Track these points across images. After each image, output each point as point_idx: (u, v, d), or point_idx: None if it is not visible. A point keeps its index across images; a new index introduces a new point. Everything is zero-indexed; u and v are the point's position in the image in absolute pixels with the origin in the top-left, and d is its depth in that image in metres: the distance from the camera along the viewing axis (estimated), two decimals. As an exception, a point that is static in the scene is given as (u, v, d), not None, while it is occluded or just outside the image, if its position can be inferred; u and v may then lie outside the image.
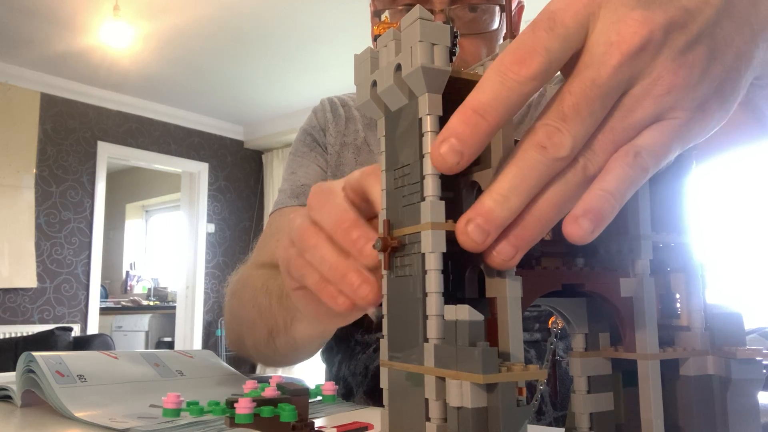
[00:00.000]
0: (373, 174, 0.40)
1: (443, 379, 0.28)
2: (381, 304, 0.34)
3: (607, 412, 0.34)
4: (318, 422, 0.49)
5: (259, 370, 5.18)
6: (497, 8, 0.82)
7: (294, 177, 0.95)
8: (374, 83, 0.34)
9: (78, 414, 0.56)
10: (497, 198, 0.27)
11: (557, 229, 0.35)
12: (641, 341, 0.32)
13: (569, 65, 0.28)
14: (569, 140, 0.26)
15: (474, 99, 0.27)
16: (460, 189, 0.33)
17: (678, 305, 0.35)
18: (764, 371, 0.34)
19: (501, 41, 0.34)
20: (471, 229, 0.27)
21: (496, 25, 0.83)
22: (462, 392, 0.26)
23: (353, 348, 0.90)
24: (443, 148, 0.27)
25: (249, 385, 0.47)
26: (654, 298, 0.33)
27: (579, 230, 0.27)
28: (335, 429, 0.46)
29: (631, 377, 0.33)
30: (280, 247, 0.45)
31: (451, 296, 0.31)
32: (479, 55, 0.82)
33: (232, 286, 0.77)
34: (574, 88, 0.27)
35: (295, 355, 0.71)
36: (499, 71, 0.27)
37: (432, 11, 0.78)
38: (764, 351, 0.33)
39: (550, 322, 0.40)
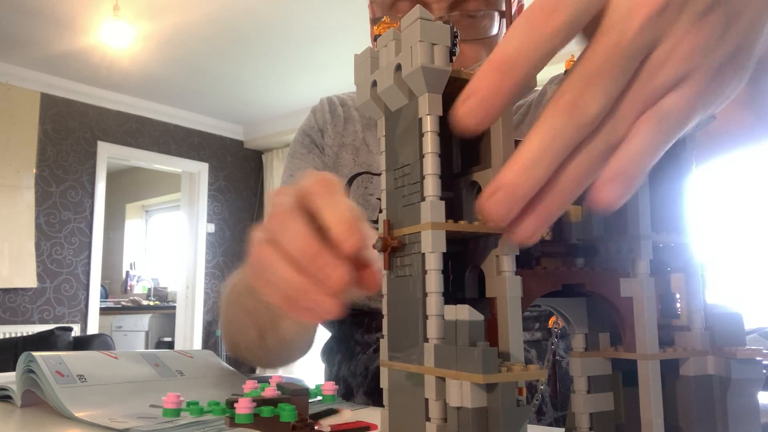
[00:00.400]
0: (320, 194, 0.40)
1: (443, 379, 0.28)
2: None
3: (607, 412, 0.34)
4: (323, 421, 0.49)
5: (259, 370, 5.18)
6: (496, 14, 0.82)
7: (292, 180, 0.95)
8: (374, 83, 0.34)
9: (78, 414, 0.56)
10: (521, 168, 0.26)
11: (557, 229, 0.35)
12: (641, 341, 0.32)
13: (590, 28, 0.27)
14: (596, 103, 0.26)
15: (499, 52, 0.26)
16: (460, 189, 0.33)
17: (678, 305, 0.35)
18: (764, 371, 0.34)
19: None
20: (494, 203, 0.26)
21: (495, 30, 0.83)
22: (462, 392, 0.26)
23: (353, 348, 0.90)
24: (465, 106, 0.26)
25: (249, 385, 0.47)
26: (654, 298, 0.33)
27: (609, 195, 0.26)
28: (330, 428, 0.46)
29: (631, 377, 0.33)
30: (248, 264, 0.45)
31: (451, 296, 0.31)
32: (479, 60, 0.82)
33: (226, 290, 0.78)
34: (597, 51, 0.26)
35: (288, 352, 0.71)
36: (527, 21, 0.26)
37: None
38: (764, 351, 0.33)
39: (550, 322, 0.40)
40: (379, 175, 0.33)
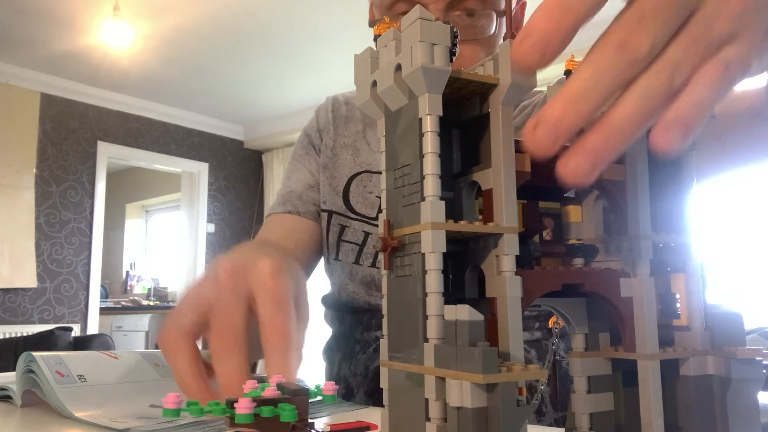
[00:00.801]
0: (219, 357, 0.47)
1: (443, 379, 0.28)
2: None
3: (607, 412, 0.34)
4: (318, 422, 0.49)
5: (260, 369, 5.17)
6: (494, 13, 0.82)
7: (288, 183, 0.97)
8: (374, 83, 0.34)
9: (78, 414, 0.56)
10: (569, 99, 0.26)
11: (557, 228, 0.35)
12: (641, 341, 0.32)
13: None
14: (649, 40, 0.26)
15: None
16: (460, 189, 0.33)
17: (678, 305, 0.35)
18: (764, 371, 0.34)
19: (501, 42, 0.34)
20: (539, 133, 0.26)
21: (493, 30, 0.83)
22: (462, 392, 0.26)
23: (353, 347, 0.91)
24: (525, 44, 0.26)
25: (249, 385, 0.47)
26: (654, 298, 0.33)
27: (669, 139, 0.26)
28: (329, 428, 0.46)
29: (631, 377, 0.33)
30: None
31: (451, 296, 0.31)
32: (477, 60, 0.82)
33: None
34: None
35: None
36: None
37: None
38: (764, 351, 0.33)
39: (550, 322, 0.40)
40: (379, 173, 0.33)
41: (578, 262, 0.35)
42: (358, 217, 0.90)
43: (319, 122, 1.00)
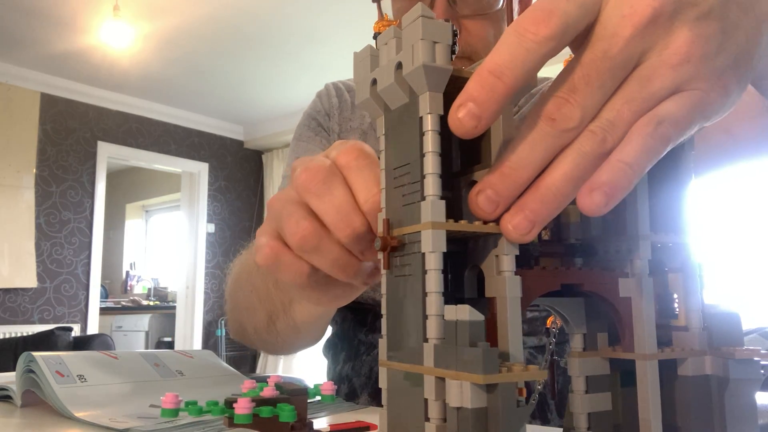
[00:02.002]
0: (351, 168, 0.40)
1: (443, 379, 0.28)
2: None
3: (605, 412, 0.34)
4: (318, 422, 0.49)
5: (259, 369, 5.18)
6: None
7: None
8: (374, 81, 0.34)
9: (78, 414, 0.56)
10: (505, 171, 0.27)
11: (555, 228, 0.35)
12: (640, 341, 0.32)
13: (579, 40, 0.28)
14: (578, 111, 0.26)
15: (490, 61, 0.27)
16: (459, 188, 0.33)
17: (675, 305, 0.35)
18: (763, 372, 0.34)
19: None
20: (481, 200, 0.28)
21: (500, 4, 0.82)
22: (462, 392, 0.26)
23: (357, 347, 0.90)
24: (461, 112, 0.27)
25: (247, 384, 0.47)
26: (652, 298, 0.33)
27: (591, 203, 0.27)
28: (329, 428, 0.46)
29: (629, 377, 0.33)
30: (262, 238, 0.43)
31: (449, 296, 0.31)
32: (485, 36, 0.81)
33: (233, 272, 0.76)
34: (584, 60, 0.27)
35: (297, 339, 0.69)
36: (516, 32, 0.27)
37: None
38: (762, 351, 0.33)
39: (548, 321, 0.40)
40: None
41: (577, 261, 0.35)
42: None
43: (324, 106, 0.97)
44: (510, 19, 0.82)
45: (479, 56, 0.79)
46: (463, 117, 0.27)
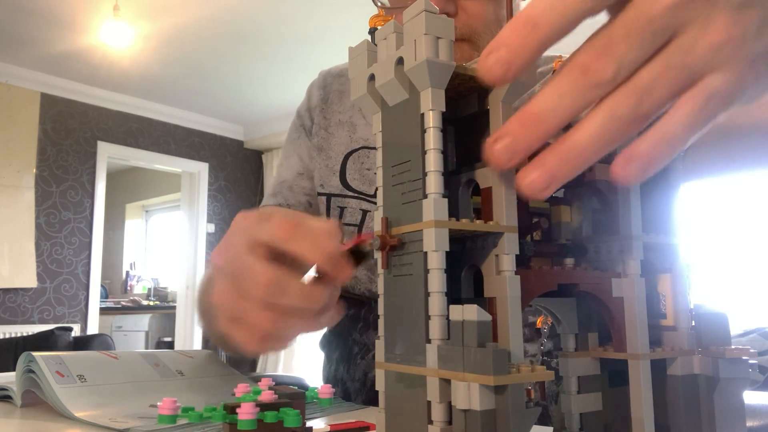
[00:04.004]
0: (291, 238, 0.40)
1: (448, 381, 0.27)
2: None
3: (596, 412, 0.34)
4: (316, 425, 0.48)
5: (260, 369, 5.17)
6: None
7: (280, 171, 0.95)
8: (371, 77, 0.33)
9: (78, 414, 0.56)
10: (527, 119, 0.26)
11: (547, 229, 0.35)
12: (632, 341, 0.32)
13: (617, 7, 0.27)
14: (614, 65, 0.25)
15: (529, 8, 0.26)
16: (455, 187, 0.33)
17: (663, 305, 0.35)
18: (759, 374, 0.34)
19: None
20: (497, 148, 0.27)
21: None
22: (470, 394, 0.26)
23: (351, 347, 0.90)
24: (491, 58, 0.26)
25: (240, 388, 0.46)
26: (644, 299, 0.33)
27: (626, 174, 0.26)
28: (329, 428, 0.46)
29: (618, 377, 0.33)
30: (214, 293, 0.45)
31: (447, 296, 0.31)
32: (485, 16, 0.79)
33: (201, 282, 0.76)
34: (626, 17, 0.26)
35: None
36: None
37: None
38: (751, 350, 0.32)
39: (539, 321, 0.40)
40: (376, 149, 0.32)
41: (569, 262, 0.34)
42: (355, 195, 0.86)
43: (311, 101, 0.97)
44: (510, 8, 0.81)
45: (479, 37, 0.77)
46: (493, 64, 0.26)
